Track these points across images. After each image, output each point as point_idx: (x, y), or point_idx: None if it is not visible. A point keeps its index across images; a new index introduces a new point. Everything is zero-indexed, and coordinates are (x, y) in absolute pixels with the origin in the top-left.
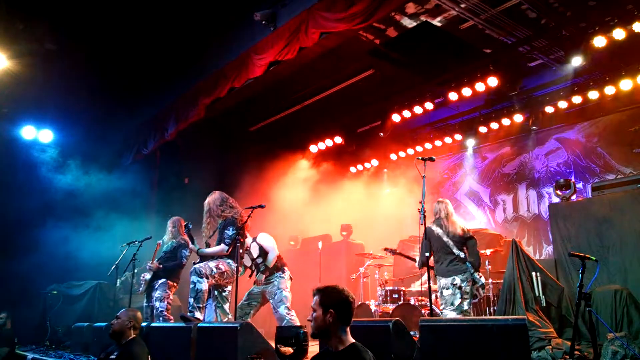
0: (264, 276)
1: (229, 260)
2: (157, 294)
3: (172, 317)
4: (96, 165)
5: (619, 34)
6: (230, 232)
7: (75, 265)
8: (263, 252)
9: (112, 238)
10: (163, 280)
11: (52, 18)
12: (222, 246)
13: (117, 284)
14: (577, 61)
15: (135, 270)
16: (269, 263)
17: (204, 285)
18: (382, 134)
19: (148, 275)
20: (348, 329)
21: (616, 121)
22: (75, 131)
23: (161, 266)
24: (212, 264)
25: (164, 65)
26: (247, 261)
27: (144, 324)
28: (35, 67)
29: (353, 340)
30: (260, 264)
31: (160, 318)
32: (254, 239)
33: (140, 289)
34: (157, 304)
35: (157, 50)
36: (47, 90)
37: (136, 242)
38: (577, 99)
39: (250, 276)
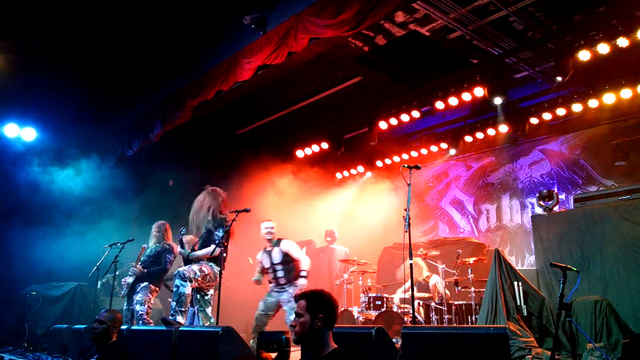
0: (282, 283)
1: (211, 263)
2: (138, 297)
3: (152, 321)
4: (79, 166)
5: (603, 48)
6: (220, 233)
7: (55, 266)
8: (288, 259)
9: (94, 239)
10: (145, 283)
11: (38, 15)
12: (213, 247)
13: (98, 286)
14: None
15: (117, 273)
16: (303, 271)
17: (188, 289)
18: (373, 142)
19: (130, 279)
20: (331, 334)
21: (599, 134)
22: (59, 130)
23: (145, 270)
24: (195, 267)
25: (151, 66)
26: (266, 263)
27: (124, 326)
28: (19, 64)
29: (335, 346)
30: (281, 270)
31: (140, 321)
32: (277, 244)
33: (122, 292)
34: (137, 307)
35: (145, 50)
36: (31, 87)
37: (118, 244)
38: (561, 111)
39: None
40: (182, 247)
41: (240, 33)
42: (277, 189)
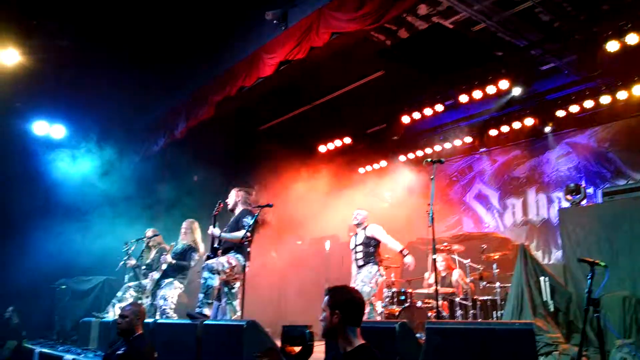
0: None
1: (238, 255)
2: (162, 292)
3: (175, 316)
4: (106, 162)
5: (632, 38)
6: (249, 220)
7: (84, 259)
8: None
9: (121, 234)
10: (170, 279)
11: (66, 15)
12: (242, 232)
13: (125, 280)
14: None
15: (143, 267)
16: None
17: (216, 281)
18: (396, 137)
19: (157, 275)
20: (358, 330)
21: (628, 126)
22: (86, 128)
23: (174, 262)
24: (223, 259)
25: (175, 64)
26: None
27: (150, 320)
28: (48, 63)
29: (363, 341)
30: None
31: (164, 316)
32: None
33: (148, 287)
34: (161, 302)
35: (168, 48)
36: (59, 86)
37: (144, 239)
38: (589, 104)
39: None
40: (215, 225)
41: (262, 29)
42: (300, 184)
